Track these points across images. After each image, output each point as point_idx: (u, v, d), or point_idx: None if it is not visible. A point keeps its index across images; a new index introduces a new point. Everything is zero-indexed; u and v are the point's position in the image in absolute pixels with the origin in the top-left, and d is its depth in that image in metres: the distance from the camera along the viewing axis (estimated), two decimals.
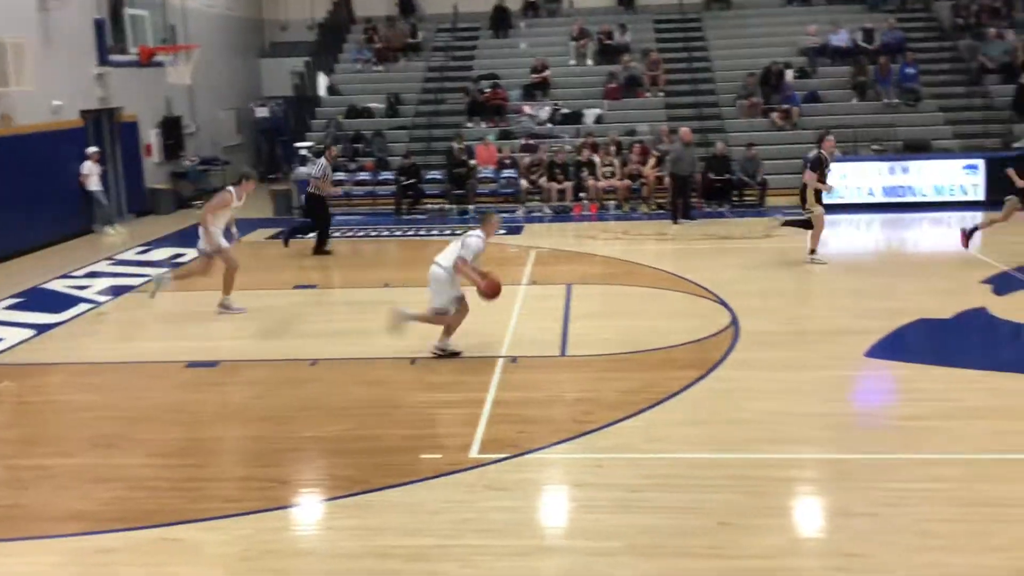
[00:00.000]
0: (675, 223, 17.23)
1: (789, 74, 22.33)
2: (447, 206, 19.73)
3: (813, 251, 13.46)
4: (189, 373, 9.30)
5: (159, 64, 20.24)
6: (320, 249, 15.47)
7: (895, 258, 14.62)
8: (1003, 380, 8.26)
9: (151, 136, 21.11)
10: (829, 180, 13.48)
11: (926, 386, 8.25)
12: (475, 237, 9.18)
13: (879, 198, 18.31)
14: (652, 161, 19.04)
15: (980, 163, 18.27)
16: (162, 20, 21.01)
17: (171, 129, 21.85)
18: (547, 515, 6.23)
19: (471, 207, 19.44)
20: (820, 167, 13.17)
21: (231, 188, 11.61)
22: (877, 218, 17.41)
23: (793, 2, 25.81)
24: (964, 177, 18.31)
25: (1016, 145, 19.46)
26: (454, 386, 8.60)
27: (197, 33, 22.61)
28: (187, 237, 17.75)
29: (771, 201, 18.87)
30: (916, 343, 9.66)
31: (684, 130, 18.29)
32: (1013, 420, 7.31)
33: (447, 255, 9.23)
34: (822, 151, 13.34)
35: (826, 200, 13.60)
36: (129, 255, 15.95)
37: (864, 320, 10.20)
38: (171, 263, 15.18)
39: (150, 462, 7.07)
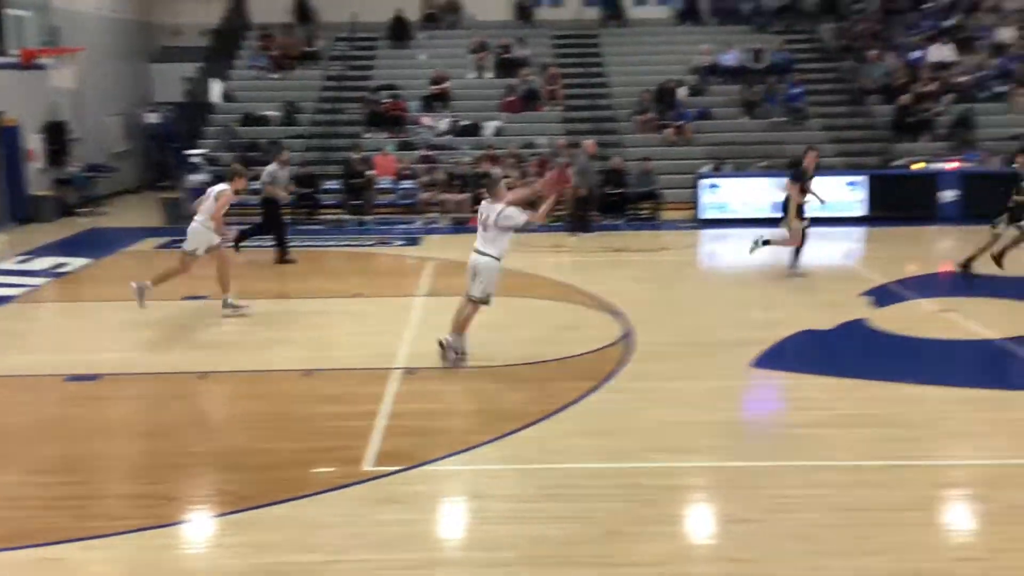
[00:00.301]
0: (573, 235, 17.43)
1: (682, 91, 22.88)
2: (344, 217, 19.53)
3: (793, 264, 13.59)
4: (69, 387, 8.95)
5: (42, 67, 19.51)
6: (283, 258, 15.11)
7: (781, 271, 15.06)
8: (881, 389, 8.59)
9: (34, 141, 20.31)
10: (817, 193, 13.67)
11: (809, 395, 8.53)
12: (509, 211, 9.09)
13: (767, 213, 18.83)
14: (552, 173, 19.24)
15: (862, 180, 19.01)
16: (45, 21, 20.27)
17: (55, 134, 21.06)
18: (441, 527, 6.21)
19: (368, 218, 19.30)
20: (801, 179, 13.41)
21: (226, 185, 11.53)
22: (767, 232, 17.92)
23: (685, 22, 26.47)
24: (847, 193, 19.02)
25: (895, 164, 20.37)
26: (348, 398, 8.50)
27: (83, 36, 21.89)
28: (72, 245, 17.14)
29: (666, 215, 19.28)
30: (800, 354, 9.97)
31: (588, 143, 18.57)
32: (890, 427, 7.61)
33: (490, 242, 9.14)
34: (805, 165, 13.59)
35: (816, 213, 13.87)
36: (9, 264, 15.29)
37: (752, 331, 10.48)
38: (54, 272, 14.62)
39: (29, 480, 6.77)
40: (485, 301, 9.32)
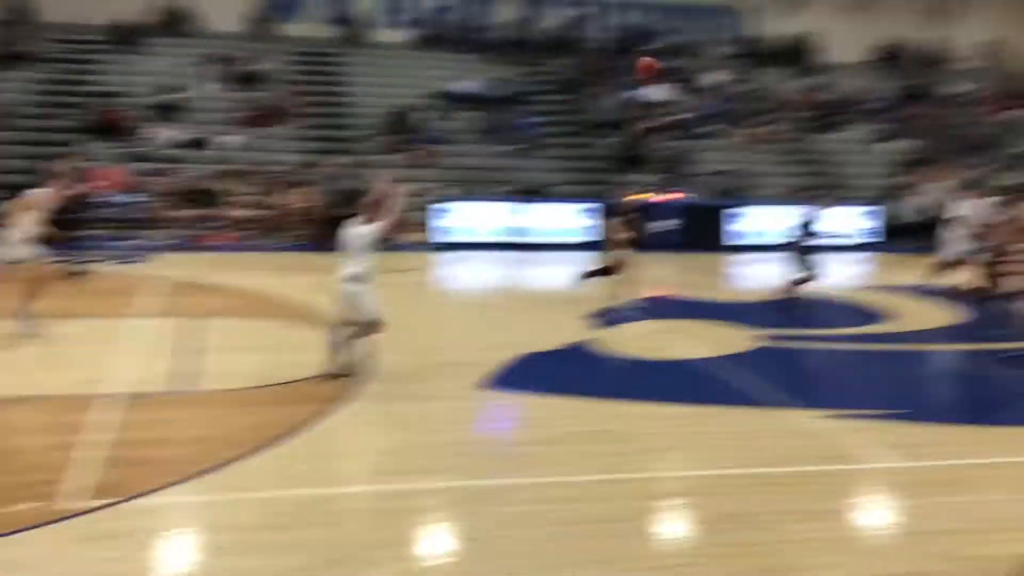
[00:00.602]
0: (316, 254, 17.11)
1: (424, 115, 23.18)
2: (60, 232, 18.07)
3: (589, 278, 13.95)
4: None
5: None
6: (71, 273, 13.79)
7: (514, 294, 15.59)
8: (603, 407, 9.01)
9: None
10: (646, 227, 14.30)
11: (537, 414, 8.79)
12: (363, 229, 9.09)
13: (503, 238, 19.44)
14: (296, 191, 18.87)
15: (591, 208, 20.03)
16: None
17: None
18: (154, 563, 5.79)
19: (89, 233, 17.99)
20: (620, 214, 13.98)
21: (43, 189, 10.71)
22: (500, 256, 18.48)
23: (428, 47, 26.87)
24: (578, 220, 19.97)
25: (628, 197, 21.61)
26: (60, 428, 7.78)
27: None
28: None
29: (405, 237, 19.36)
30: (529, 374, 10.25)
31: (335, 162, 18.41)
32: (611, 443, 7.97)
33: (359, 264, 9.10)
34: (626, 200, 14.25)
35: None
36: None
37: (484, 352, 10.69)
38: None
39: None
40: (374, 324, 9.22)
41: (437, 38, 26.95)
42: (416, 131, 22.60)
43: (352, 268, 9.23)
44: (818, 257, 13.92)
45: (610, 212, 14.39)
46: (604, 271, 14.00)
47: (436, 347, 11.06)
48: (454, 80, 24.57)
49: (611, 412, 8.86)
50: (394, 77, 24.86)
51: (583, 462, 7.51)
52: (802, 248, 13.73)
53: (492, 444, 8.18)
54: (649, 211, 20.13)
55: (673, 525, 6.67)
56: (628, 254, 14.01)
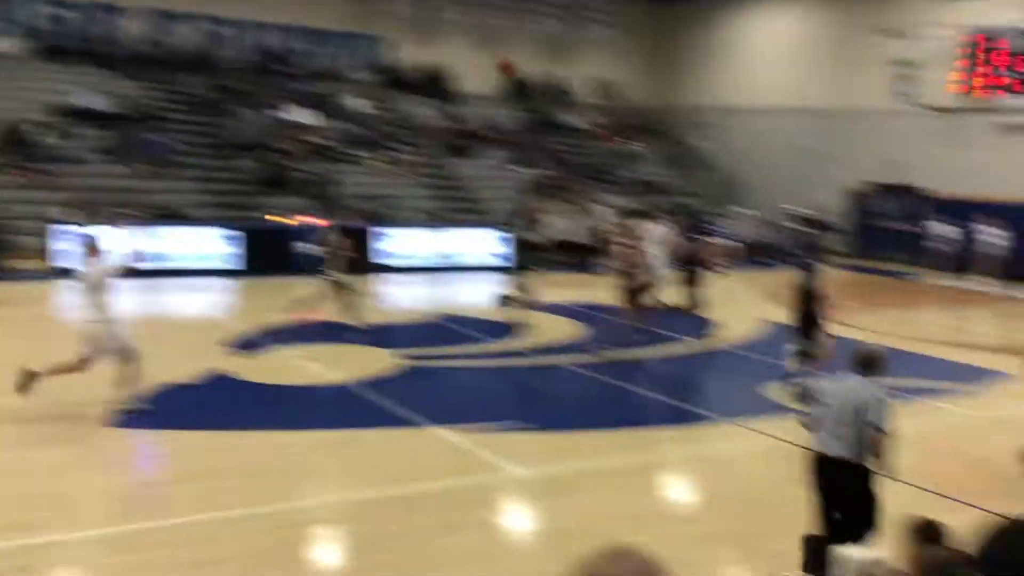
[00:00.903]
0: None
1: (40, 133, 21.24)
2: None
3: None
4: None
5: None
6: None
7: (146, 323, 14.63)
8: (244, 438, 8.77)
9: None
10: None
11: (173, 450, 8.39)
12: (94, 268, 8.91)
13: (135, 264, 18.26)
14: None
15: (236, 233, 19.36)
16: None
17: None
18: None
19: None
20: (347, 235, 13.89)
21: None
22: (131, 284, 17.32)
23: (44, 59, 24.66)
24: (222, 246, 19.24)
25: (268, 217, 21.13)
26: None
27: None
28: None
29: (15, 265, 17.61)
30: (164, 409, 9.68)
31: None
32: (251, 475, 7.78)
33: (93, 307, 8.86)
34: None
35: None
36: None
37: (109, 388, 9.96)
38: None
39: None
40: (129, 354, 9.05)
41: (55, 49, 24.79)
42: (30, 148, 20.62)
43: (92, 307, 8.96)
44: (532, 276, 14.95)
45: (330, 232, 14.21)
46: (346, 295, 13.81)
47: (58, 385, 10.11)
48: (75, 95, 22.74)
49: (250, 443, 8.64)
50: (3, 90, 22.51)
51: (221, 498, 7.24)
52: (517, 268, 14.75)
53: (122, 487, 7.65)
54: (293, 234, 19.90)
55: (318, 553, 6.64)
56: (343, 276, 13.80)
